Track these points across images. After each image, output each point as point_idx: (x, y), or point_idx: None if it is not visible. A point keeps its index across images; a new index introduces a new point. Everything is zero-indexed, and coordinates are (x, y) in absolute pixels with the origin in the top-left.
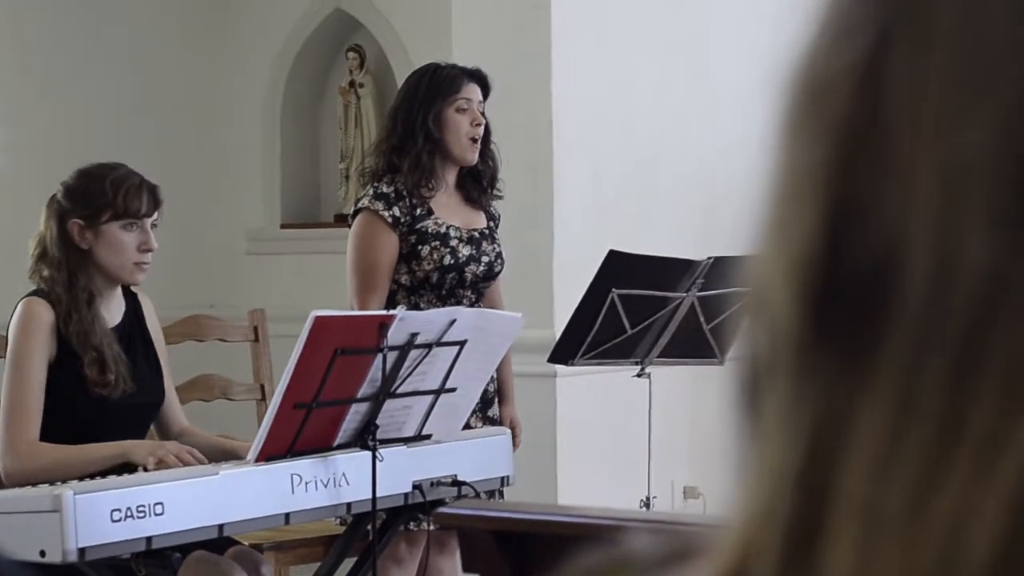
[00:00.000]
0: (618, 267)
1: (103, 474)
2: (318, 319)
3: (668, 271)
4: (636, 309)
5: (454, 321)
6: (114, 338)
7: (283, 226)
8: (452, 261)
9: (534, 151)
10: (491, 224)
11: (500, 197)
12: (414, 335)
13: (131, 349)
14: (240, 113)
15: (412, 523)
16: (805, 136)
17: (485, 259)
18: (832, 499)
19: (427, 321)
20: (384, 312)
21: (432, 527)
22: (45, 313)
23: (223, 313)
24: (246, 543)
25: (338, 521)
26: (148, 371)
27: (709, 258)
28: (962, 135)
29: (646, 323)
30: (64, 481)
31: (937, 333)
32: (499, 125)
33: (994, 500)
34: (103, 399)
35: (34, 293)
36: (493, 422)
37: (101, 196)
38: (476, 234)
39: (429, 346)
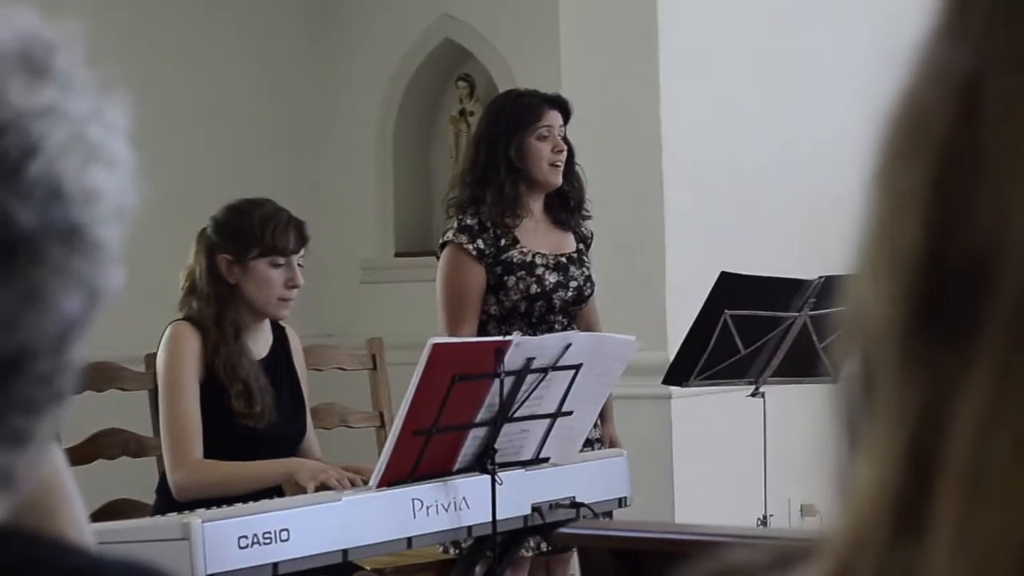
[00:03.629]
0: (730, 288)
1: (266, 493)
2: (436, 346)
3: (779, 291)
4: (749, 329)
5: (569, 345)
6: (260, 370)
7: (397, 254)
8: (539, 289)
9: (644, 175)
10: (581, 247)
11: (589, 217)
12: (530, 360)
13: (277, 381)
14: (353, 144)
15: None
16: (907, 160)
17: (573, 284)
18: (939, 466)
19: (542, 346)
20: (501, 338)
21: (539, 551)
22: (193, 338)
23: (340, 342)
24: (368, 568)
25: (442, 549)
26: (292, 403)
27: (820, 277)
28: None
29: (759, 343)
30: (233, 496)
31: None
32: (609, 150)
33: None
34: (249, 428)
35: (183, 319)
36: (591, 443)
37: (250, 232)
38: (563, 259)
39: (545, 370)
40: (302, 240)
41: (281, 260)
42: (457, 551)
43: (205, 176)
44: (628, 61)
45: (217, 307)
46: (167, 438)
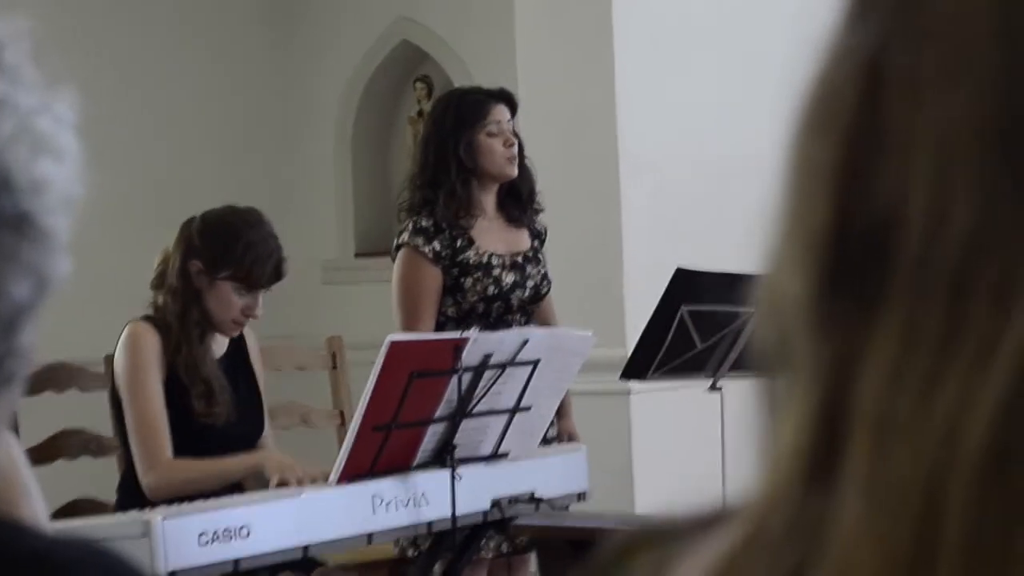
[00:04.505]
0: (686, 284)
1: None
2: (394, 344)
3: (736, 286)
4: (706, 324)
5: (527, 341)
6: (219, 369)
7: (357, 255)
8: (496, 290)
9: (601, 172)
10: (536, 243)
11: (541, 210)
12: (488, 356)
13: (235, 380)
14: (312, 145)
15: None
16: (818, 137)
17: (531, 283)
18: (849, 420)
19: (500, 342)
20: (458, 335)
21: (499, 553)
22: (153, 338)
23: (301, 343)
24: (330, 564)
25: (397, 551)
26: (249, 401)
27: None
28: (948, 113)
29: (716, 338)
30: (204, 493)
31: (932, 274)
32: (565, 148)
33: (986, 399)
34: (207, 427)
35: (141, 318)
36: (547, 440)
37: (230, 253)
38: (519, 259)
39: (503, 366)
40: (276, 277)
41: (247, 290)
42: (416, 552)
43: (165, 177)
44: (584, 60)
45: (183, 305)
46: (136, 440)
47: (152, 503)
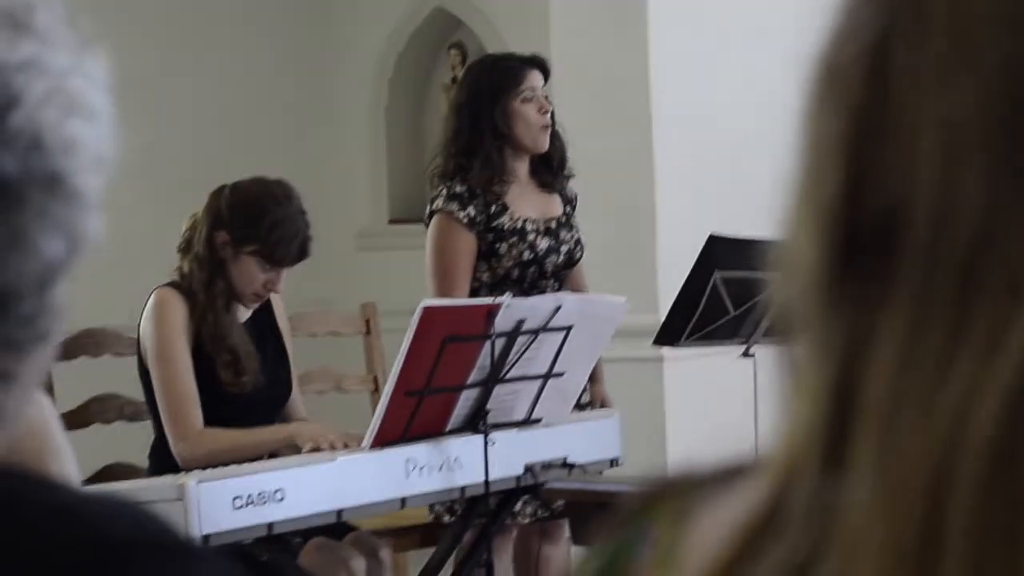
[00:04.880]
0: (719, 250)
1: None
2: (427, 309)
3: (769, 252)
4: (739, 291)
5: (560, 307)
6: (245, 334)
7: (391, 222)
8: (531, 255)
9: (634, 138)
10: (568, 209)
11: (572, 176)
12: (521, 322)
13: (261, 343)
14: (346, 112)
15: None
16: (825, 116)
17: (564, 248)
18: (859, 402)
19: (533, 308)
20: (491, 300)
21: (535, 517)
22: (179, 305)
23: (335, 310)
24: (364, 528)
25: (433, 517)
26: (276, 364)
27: None
28: (954, 98)
29: (749, 304)
30: (237, 463)
31: (942, 258)
32: (599, 114)
33: (993, 388)
34: (234, 395)
35: (168, 285)
36: (580, 406)
37: (255, 229)
38: (553, 224)
39: (536, 332)
40: (301, 256)
41: (270, 266)
42: (452, 518)
43: (198, 148)
44: (618, 25)
45: (208, 274)
46: (166, 409)
47: (175, 466)
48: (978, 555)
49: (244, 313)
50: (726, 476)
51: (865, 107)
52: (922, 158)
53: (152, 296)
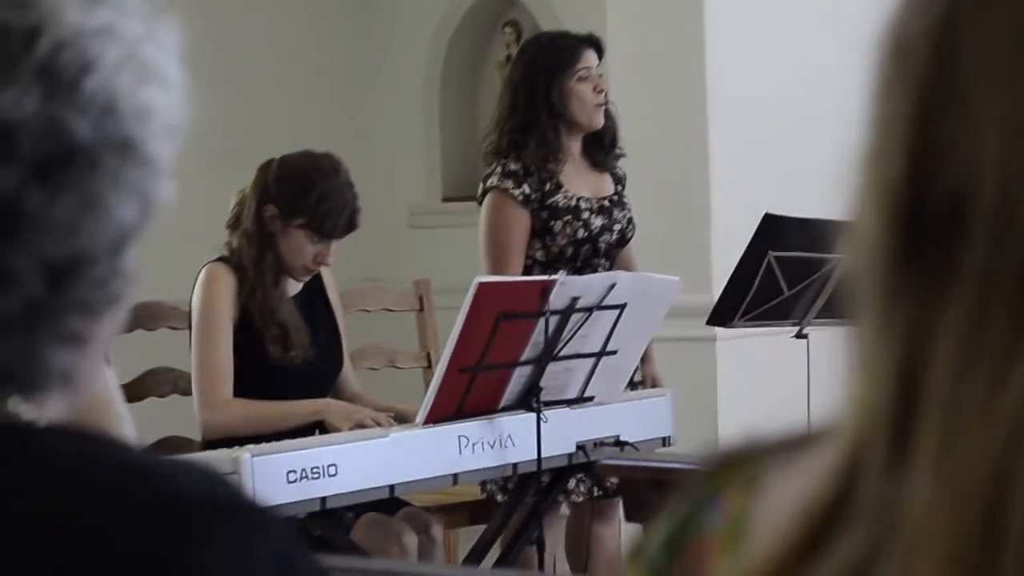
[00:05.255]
0: (774, 230)
1: (296, 432)
2: (482, 285)
3: (823, 232)
4: (793, 271)
5: (614, 285)
6: (295, 308)
7: (444, 199)
8: (586, 234)
9: (689, 118)
10: (619, 188)
11: (623, 155)
12: (575, 299)
13: (312, 316)
14: (399, 89)
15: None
16: (892, 92)
17: (617, 227)
18: (922, 394)
19: (587, 285)
20: (546, 277)
21: (589, 496)
22: (228, 279)
23: (388, 286)
24: (415, 505)
25: (485, 496)
26: (328, 338)
27: None
28: (1021, 88)
29: (803, 284)
30: (260, 436)
31: (1005, 256)
32: (654, 93)
33: None
34: (283, 369)
35: (218, 260)
36: (632, 385)
37: (303, 202)
38: (606, 202)
39: (590, 310)
40: (350, 228)
41: (320, 238)
42: (505, 497)
43: (253, 123)
44: (673, 5)
45: (258, 248)
46: (197, 379)
47: (229, 440)
48: None
49: (294, 288)
50: (795, 445)
51: (932, 85)
52: (988, 146)
53: (202, 271)
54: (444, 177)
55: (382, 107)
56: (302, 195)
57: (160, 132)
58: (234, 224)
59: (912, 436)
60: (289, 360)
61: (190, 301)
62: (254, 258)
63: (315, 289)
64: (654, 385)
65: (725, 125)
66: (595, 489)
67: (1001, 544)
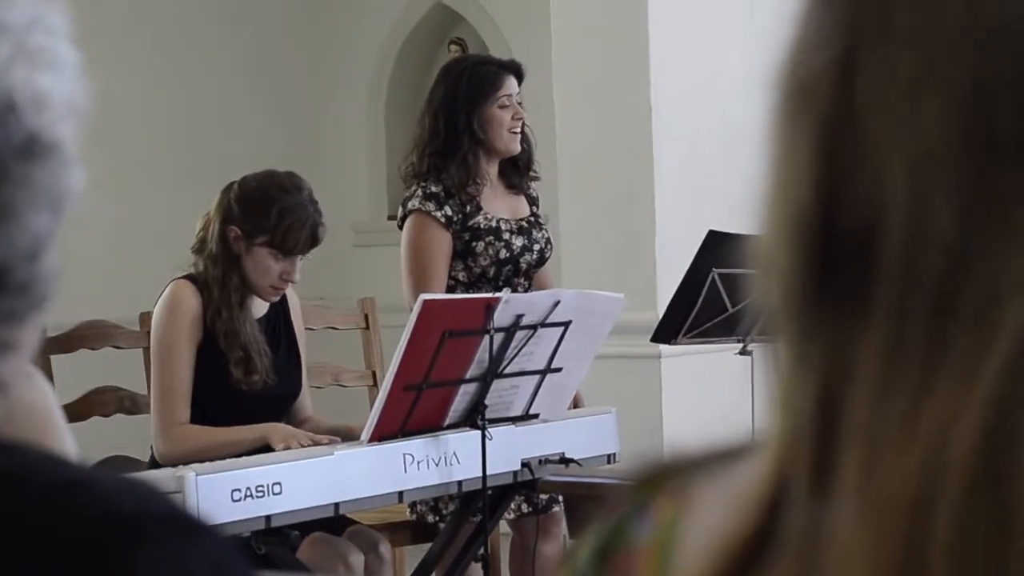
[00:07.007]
0: (718, 247)
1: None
2: (427, 302)
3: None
4: (737, 288)
5: (558, 302)
6: (259, 331)
7: (390, 217)
8: (508, 254)
9: (633, 136)
10: (534, 209)
11: (537, 178)
12: (519, 317)
13: (274, 340)
14: (345, 107)
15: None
16: (794, 128)
17: (536, 247)
18: (842, 424)
19: (531, 303)
20: (491, 295)
21: (520, 512)
22: (193, 300)
23: (333, 304)
24: (363, 523)
25: (415, 517)
26: (288, 362)
27: None
28: (921, 121)
29: (747, 301)
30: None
31: (916, 286)
32: (599, 111)
33: (972, 414)
34: (243, 391)
35: (185, 277)
36: None
37: (264, 220)
38: (524, 223)
39: (534, 327)
40: (312, 243)
41: (283, 255)
42: (437, 518)
43: (200, 140)
44: (618, 21)
45: (224, 269)
46: (155, 400)
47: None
48: None
49: (260, 309)
50: (723, 457)
51: (835, 120)
52: (892, 180)
53: (168, 287)
54: (389, 195)
55: (328, 125)
56: (263, 213)
57: (60, 115)
58: (199, 248)
59: (834, 465)
60: (250, 383)
61: (150, 318)
62: (219, 279)
63: (280, 313)
64: (576, 404)
65: (669, 142)
66: (523, 506)
67: (924, 569)
